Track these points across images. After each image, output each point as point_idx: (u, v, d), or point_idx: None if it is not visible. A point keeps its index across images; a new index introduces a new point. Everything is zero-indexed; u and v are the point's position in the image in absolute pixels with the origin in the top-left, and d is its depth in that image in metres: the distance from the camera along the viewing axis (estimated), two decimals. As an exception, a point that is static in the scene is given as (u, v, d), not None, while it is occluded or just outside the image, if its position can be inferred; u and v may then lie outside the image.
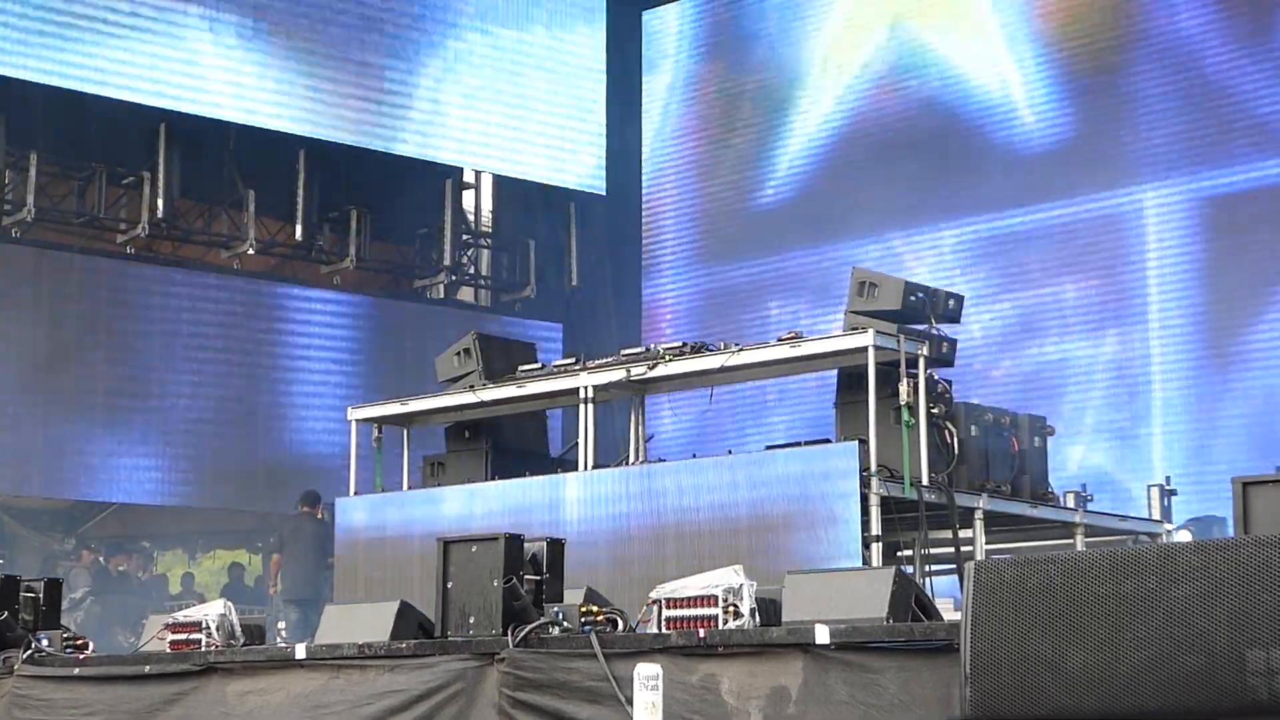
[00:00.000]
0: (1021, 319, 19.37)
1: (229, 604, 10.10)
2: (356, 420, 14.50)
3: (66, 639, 10.39)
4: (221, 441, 20.41)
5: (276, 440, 20.69)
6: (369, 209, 21.85)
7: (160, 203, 20.13)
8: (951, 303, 12.26)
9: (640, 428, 13.50)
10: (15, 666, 10.14)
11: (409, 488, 14.33)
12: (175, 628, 9.96)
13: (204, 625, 9.80)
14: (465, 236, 23.45)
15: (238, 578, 22.84)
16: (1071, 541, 13.17)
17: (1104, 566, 4.31)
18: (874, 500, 11.38)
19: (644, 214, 23.30)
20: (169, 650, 9.85)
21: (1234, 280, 17.92)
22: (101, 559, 20.99)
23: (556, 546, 8.90)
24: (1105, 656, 4.28)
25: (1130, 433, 18.10)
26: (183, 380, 20.25)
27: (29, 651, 10.19)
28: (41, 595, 10.57)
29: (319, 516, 18.14)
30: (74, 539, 21.89)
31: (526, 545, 8.79)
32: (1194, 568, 4.20)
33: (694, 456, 13.55)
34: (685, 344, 13.04)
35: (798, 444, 12.30)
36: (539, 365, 13.88)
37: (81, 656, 10.22)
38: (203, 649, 9.69)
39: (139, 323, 20.23)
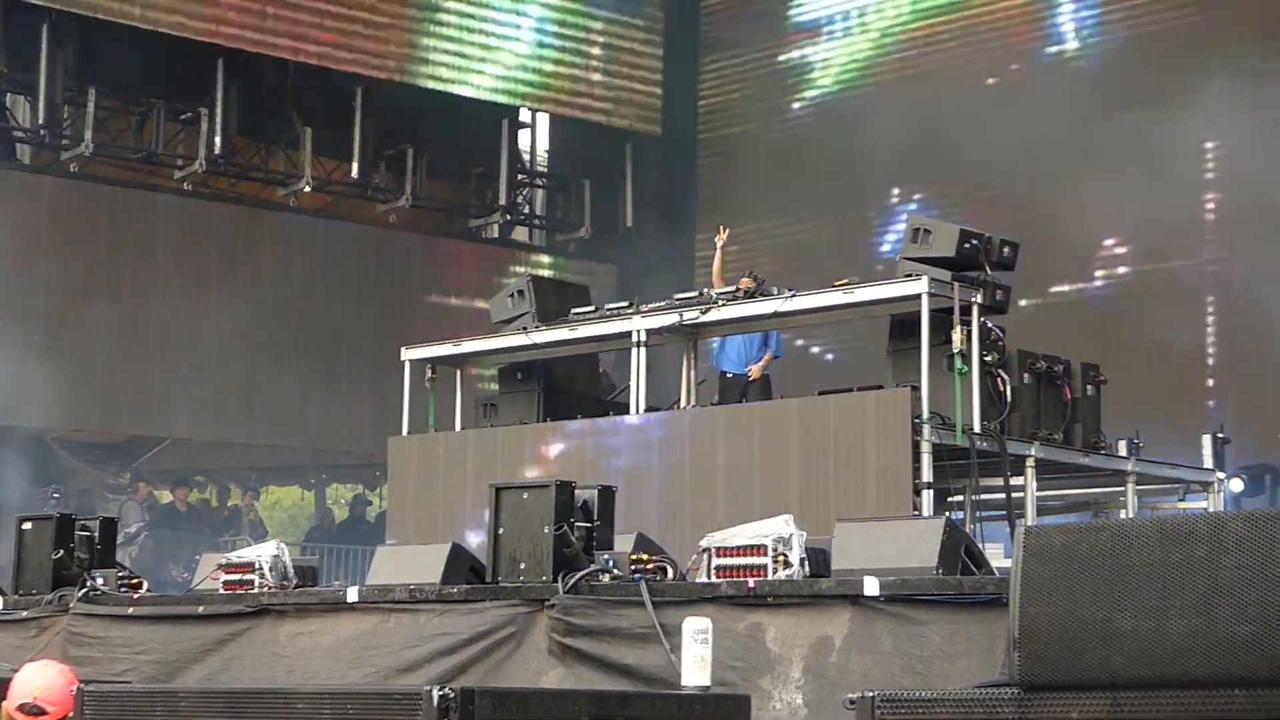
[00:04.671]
0: (1069, 262, 19.21)
1: (282, 545, 10.16)
2: (410, 360, 14.50)
3: (121, 578, 10.48)
4: (274, 379, 20.48)
5: (327, 379, 20.76)
6: (425, 148, 21.80)
7: (218, 139, 20.16)
8: (1006, 250, 12.13)
9: (692, 371, 13.48)
10: (70, 605, 10.23)
11: (461, 428, 14.35)
12: (229, 568, 10.02)
13: (257, 566, 9.86)
14: (520, 177, 23.40)
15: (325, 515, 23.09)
16: (1123, 489, 13.13)
17: (1154, 535, 4.27)
18: (925, 448, 11.35)
19: (699, 155, 23.19)
20: (222, 590, 9.93)
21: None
22: (159, 493, 21.16)
23: (607, 493, 8.94)
24: (1154, 623, 4.25)
25: (1185, 380, 17.95)
26: (239, 318, 20.30)
27: (84, 590, 10.28)
28: (97, 534, 10.66)
29: None
30: (129, 473, 22.04)
31: (577, 492, 8.83)
32: (1244, 538, 4.16)
33: (743, 399, 13.53)
34: (738, 288, 12.99)
35: (849, 389, 12.26)
36: (592, 308, 13.84)
37: (135, 595, 10.30)
38: (256, 590, 9.76)
39: (195, 257, 20.30)
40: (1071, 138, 19.07)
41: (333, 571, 19.13)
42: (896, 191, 21.08)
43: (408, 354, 14.57)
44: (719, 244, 14.22)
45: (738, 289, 12.98)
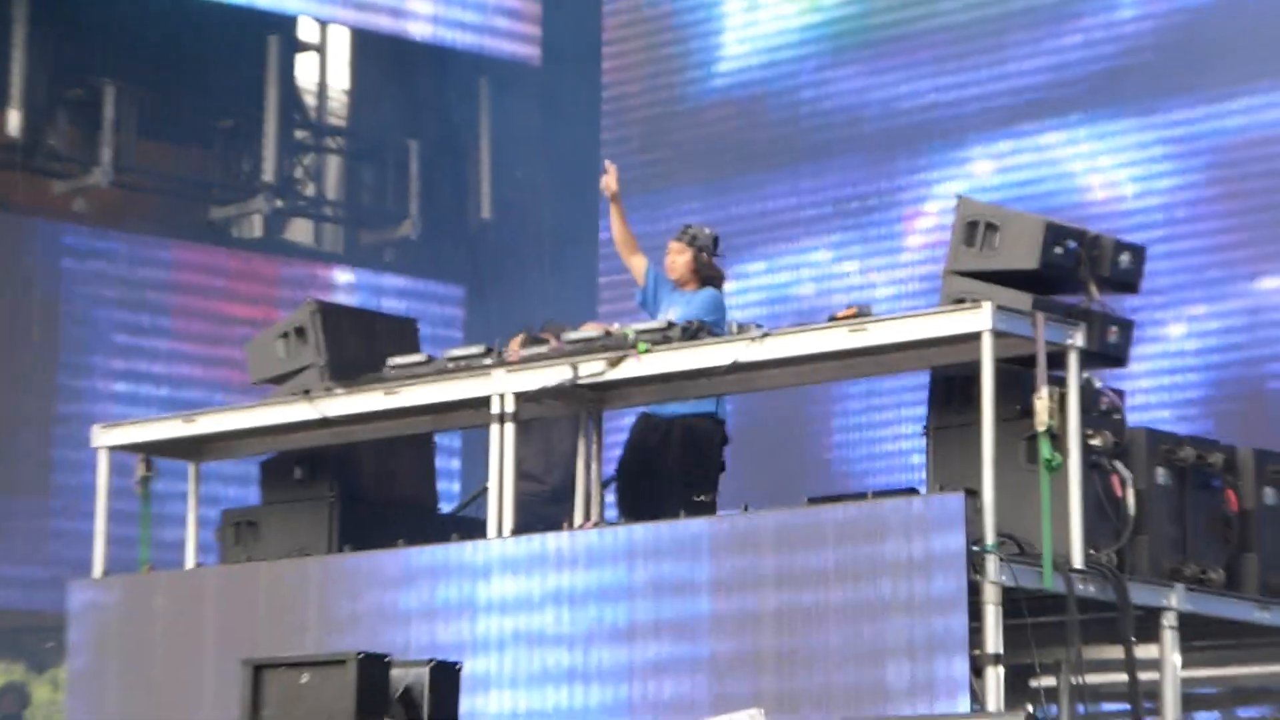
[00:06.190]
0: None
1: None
2: (105, 448, 14.47)
3: None
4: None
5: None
6: (136, 86, 21.74)
7: None
8: (1125, 257, 12.23)
9: (594, 463, 13.52)
10: None
11: (197, 563, 14.35)
12: None
13: None
14: (300, 134, 23.38)
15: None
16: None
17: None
18: (990, 594, 11.37)
19: (605, 99, 23.27)
20: None
21: None
22: None
23: (446, 674, 8.92)
24: None
25: None
26: None
27: None
28: None
29: None
30: None
31: (395, 672, 8.80)
32: None
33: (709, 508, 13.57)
34: (670, 323, 13.04)
35: (862, 495, 12.26)
36: (423, 358, 13.83)
37: None
38: None
39: None
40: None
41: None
42: (913, 162, 21.40)
43: (103, 437, 14.52)
44: (609, 191, 14.43)
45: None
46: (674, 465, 14.00)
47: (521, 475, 14.54)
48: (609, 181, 14.37)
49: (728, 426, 14.30)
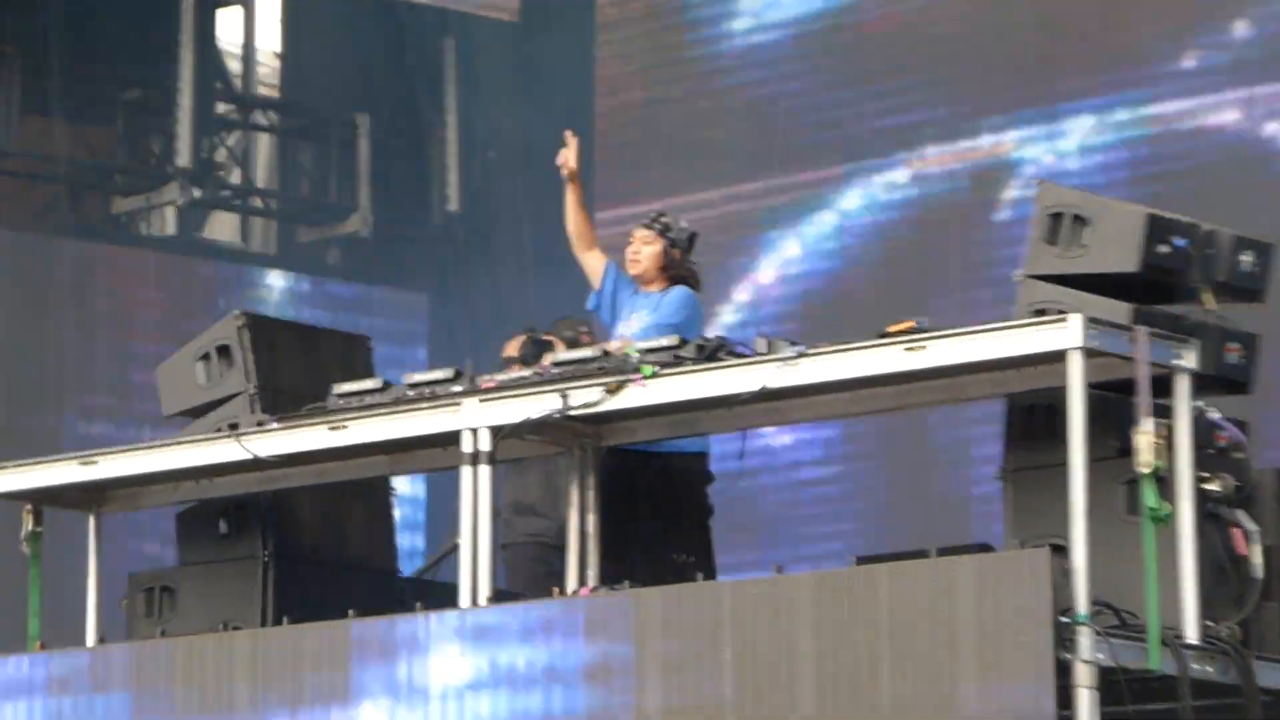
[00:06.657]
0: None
1: None
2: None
3: None
4: None
5: None
6: (24, 46, 21.71)
7: None
8: (1248, 256, 12.03)
9: (590, 513, 13.42)
10: None
11: (100, 639, 14.23)
12: None
13: None
14: (223, 108, 23.35)
15: None
16: None
17: None
18: (1084, 676, 11.16)
19: (599, 65, 23.27)
20: None
21: None
22: None
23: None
24: None
25: None
26: None
27: None
28: None
29: None
30: None
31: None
32: None
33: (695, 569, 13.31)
34: (681, 339, 12.88)
35: (922, 554, 12.04)
36: (378, 384, 13.67)
37: None
38: None
39: None
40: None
41: None
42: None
43: (-16, 482, 14.49)
44: (567, 169, 14.43)
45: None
46: (644, 520, 14.03)
47: (523, 510, 14.84)
48: (568, 156, 14.34)
49: (710, 460, 14.39)
